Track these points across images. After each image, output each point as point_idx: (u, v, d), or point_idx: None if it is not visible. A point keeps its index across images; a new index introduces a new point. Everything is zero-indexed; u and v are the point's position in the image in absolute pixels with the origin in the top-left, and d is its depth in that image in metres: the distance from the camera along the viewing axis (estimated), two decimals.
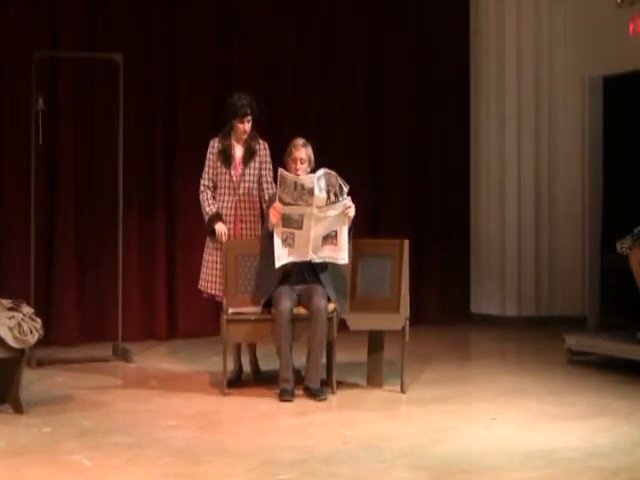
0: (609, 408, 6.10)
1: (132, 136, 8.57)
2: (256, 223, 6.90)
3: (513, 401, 6.32)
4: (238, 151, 6.89)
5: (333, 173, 6.39)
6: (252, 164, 6.88)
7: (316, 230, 6.38)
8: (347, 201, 6.42)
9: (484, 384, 6.96)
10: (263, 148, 6.93)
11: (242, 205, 6.87)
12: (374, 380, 6.78)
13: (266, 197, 6.83)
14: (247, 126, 6.84)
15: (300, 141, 6.64)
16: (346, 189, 6.39)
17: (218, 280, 6.78)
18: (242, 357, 6.96)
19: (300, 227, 6.39)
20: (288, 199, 6.38)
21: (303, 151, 6.60)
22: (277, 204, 6.41)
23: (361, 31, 9.82)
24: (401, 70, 9.95)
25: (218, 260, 6.78)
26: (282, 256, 6.42)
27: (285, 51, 9.52)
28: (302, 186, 6.35)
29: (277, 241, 6.41)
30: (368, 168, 9.84)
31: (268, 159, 6.94)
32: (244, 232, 6.88)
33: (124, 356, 7.76)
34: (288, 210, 6.39)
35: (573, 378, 7.12)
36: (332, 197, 6.38)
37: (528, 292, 9.99)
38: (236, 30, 9.29)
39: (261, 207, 6.91)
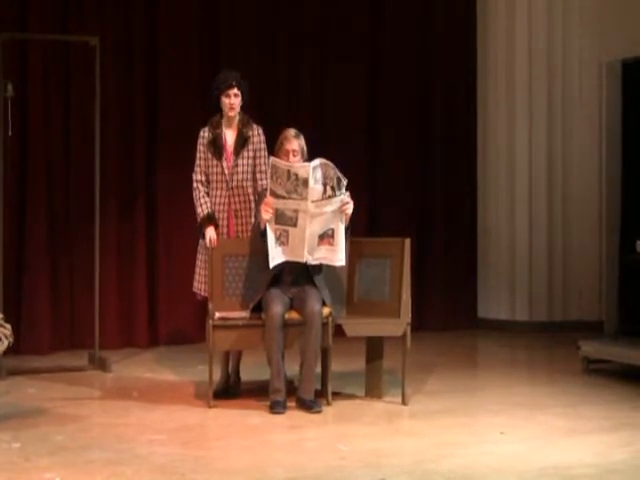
0: (628, 421, 6.10)
1: (110, 126, 8.60)
2: (251, 218, 6.85)
3: (524, 414, 6.32)
4: (229, 139, 6.83)
5: (330, 164, 6.32)
6: (245, 153, 6.82)
7: (312, 228, 6.35)
8: (345, 196, 6.38)
9: (492, 395, 6.96)
10: (257, 134, 6.86)
11: (236, 199, 6.82)
12: (373, 391, 6.78)
13: (259, 189, 6.79)
14: (234, 101, 6.75)
15: (292, 132, 6.59)
16: (344, 182, 6.34)
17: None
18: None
19: (294, 224, 6.35)
20: (281, 191, 6.33)
21: (295, 142, 6.55)
22: (269, 198, 6.36)
23: (362, 7, 9.86)
24: (402, 55, 9.97)
25: None
26: (276, 256, 6.39)
27: (278, 23, 9.53)
28: (296, 176, 6.28)
29: (271, 239, 6.38)
30: (366, 160, 9.86)
31: (263, 146, 6.85)
32: (239, 228, 6.85)
33: (101, 365, 7.76)
34: (281, 205, 6.35)
35: (589, 389, 7.13)
36: (329, 191, 6.33)
37: (540, 295, 10.01)
38: (223, 9, 9.30)
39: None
